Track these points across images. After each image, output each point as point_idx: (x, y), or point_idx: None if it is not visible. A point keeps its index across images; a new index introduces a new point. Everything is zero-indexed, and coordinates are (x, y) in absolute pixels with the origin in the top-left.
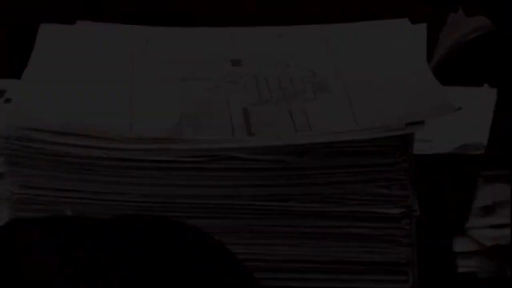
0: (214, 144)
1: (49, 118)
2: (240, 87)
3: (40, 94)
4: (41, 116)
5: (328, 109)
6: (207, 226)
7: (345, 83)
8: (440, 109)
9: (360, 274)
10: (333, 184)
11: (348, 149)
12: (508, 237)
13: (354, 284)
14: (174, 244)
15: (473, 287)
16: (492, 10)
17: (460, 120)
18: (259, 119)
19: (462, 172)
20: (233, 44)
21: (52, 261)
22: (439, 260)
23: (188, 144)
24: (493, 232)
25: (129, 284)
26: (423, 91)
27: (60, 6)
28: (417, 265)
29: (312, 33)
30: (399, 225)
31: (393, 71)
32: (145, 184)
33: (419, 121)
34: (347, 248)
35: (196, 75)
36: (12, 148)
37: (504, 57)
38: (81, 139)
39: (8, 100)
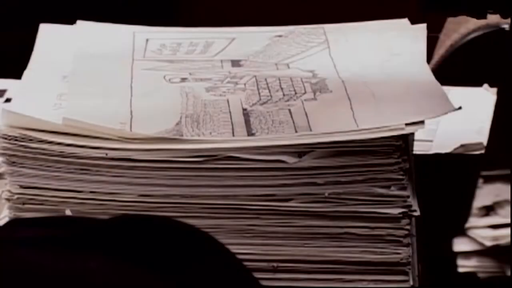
0: (214, 144)
1: (49, 118)
2: (240, 87)
3: (40, 94)
4: (41, 116)
5: (328, 109)
6: (207, 226)
7: (345, 83)
8: (440, 109)
9: (360, 274)
10: (333, 184)
11: (348, 149)
12: (508, 237)
13: (354, 284)
14: (174, 244)
15: (473, 287)
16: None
17: (460, 120)
18: (259, 119)
19: (462, 172)
20: (233, 44)
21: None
22: (439, 260)
23: (188, 144)
24: (493, 232)
25: (128, 284)
26: (423, 91)
27: (60, 6)
28: (417, 265)
29: (312, 33)
30: (399, 225)
31: (393, 71)
32: (145, 184)
33: (419, 121)
34: (347, 248)
35: (196, 75)
36: (12, 148)
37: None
38: (81, 139)
39: (8, 100)
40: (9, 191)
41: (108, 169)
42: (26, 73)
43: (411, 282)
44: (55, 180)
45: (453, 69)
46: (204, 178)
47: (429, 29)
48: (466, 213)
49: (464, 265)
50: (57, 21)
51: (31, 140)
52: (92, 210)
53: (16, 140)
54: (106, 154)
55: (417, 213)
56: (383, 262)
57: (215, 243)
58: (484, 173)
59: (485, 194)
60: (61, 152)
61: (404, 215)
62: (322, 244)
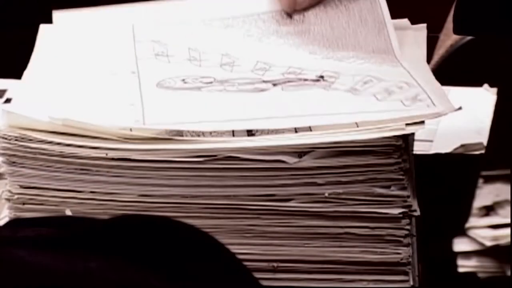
0: (214, 144)
1: (49, 118)
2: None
3: (40, 94)
4: (41, 116)
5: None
6: (207, 226)
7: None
8: (440, 109)
9: (360, 274)
10: (333, 184)
11: (348, 149)
12: (508, 237)
13: (354, 284)
14: (174, 244)
15: (473, 287)
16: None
17: (460, 120)
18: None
19: (462, 172)
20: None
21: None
22: (439, 260)
23: (188, 144)
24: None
25: (128, 283)
26: (423, 91)
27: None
28: (417, 265)
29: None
30: (399, 225)
31: (397, 69)
32: (145, 184)
33: (419, 121)
34: (347, 248)
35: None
36: (12, 148)
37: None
38: (81, 139)
39: (8, 100)
40: (9, 191)
41: (108, 169)
42: (26, 73)
43: (411, 282)
44: (55, 180)
45: (453, 69)
46: (204, 178)
47: (429, 29)
48: (466, 213)
49: (464, 265)
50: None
51: (31, 140)
52: (92, 210)
53: (16, 140)
54: (106, 154)
55: (417, 213)
56: (383, 262)
57: (215, 243)
58: (484, 173)
59: (485, 194)
60: (61, 152)
61: (404, 215)
62: (322, 244)
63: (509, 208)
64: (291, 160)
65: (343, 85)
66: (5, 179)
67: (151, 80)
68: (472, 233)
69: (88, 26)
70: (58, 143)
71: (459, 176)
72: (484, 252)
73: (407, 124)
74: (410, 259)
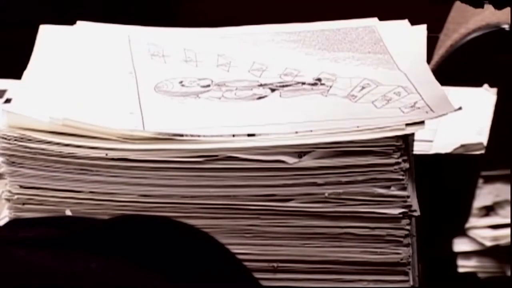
0: (214, 144)
1: (49, 118)
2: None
3: (40, 94)
4: (41, 116)
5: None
6: (207, 226)
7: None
8: (440, 109)
9: (360, 274)
10: (333, 184)
11: (348, 149)
12: (508, 237)
13: (354, 284)
14: (174, 244)
15: (473, 287)
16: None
17: (460, 120)
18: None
19: (462, 172)
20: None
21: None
22: (439, 260)
23: (188, 144)
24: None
25: (128, 283)
26: (423, 91)
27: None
28: (417, 265)
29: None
30: (399, 225)
31: (393, 71)
32: (145, 184)
33: (419, 121)
34: (347, 248)
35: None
36: (12, 148)
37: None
38: (81, 140)
39: (8, 100)
40: (9, 191)
41: (108, 169)
42: (26, 73)
43: (411, 282)
44: (55, 180)
45: (453, 69)
46: (204, 178)
47: (429, 29)
48: (466, 213)
49: (464, 265)
50: (57, 21)
51: (30, 140)
52: (91, 210)
53: (16, 140)
54: (106, 154)
55: (417, 213)
56: (383, 262)
57: (215, 243)
58: (484, 173)
59: (485, 194)
60: (60, 152)
61: (404, 215)
62: (322, 244)
63: (509, 208)
64: (291, 160)
65: (341, 91)
66: (5, 179)
67: (148, 82)
68: (472, 233)
69: (85, 28)
70: (58, 143)
71: (459, 176)
72: (484, 252)
73: (407, 124)
74: (410, 259)
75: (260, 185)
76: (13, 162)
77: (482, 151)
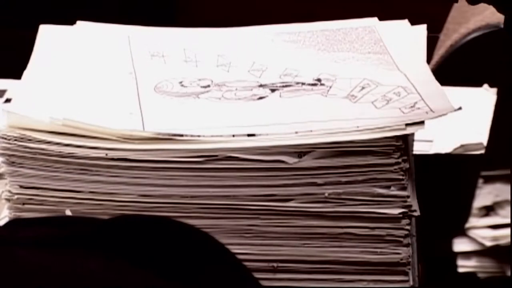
0: (214, 144)
1: (49, 118)
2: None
3: (40, 94)
4: (41, 116)
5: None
6: (207, 226)
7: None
8: (440, 109)
9: (360, 274)
10: (333, 184)
11: (348, 149)
12: (508, 237)
13: (354, 284)
14: (174, 244)
15: (473, 287)
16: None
17: (460, 120)
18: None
19: (462, 172)
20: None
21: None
22: (439, 260)
23: (188, 144)
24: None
25: (128, 283)
26: (423, 91)
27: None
28: (417, 265)
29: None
30: (399, 225)
31: (393, 71)
32: (145, 184)
33: (419, 121)
34: (347, 248)
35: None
36: (12, 148)
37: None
38: (81, 140)
39: (8, 100)
40: (9, 191)
41: (108, 169)
42: (26, 73)
43: (411, 282)
44: (55, 180)
45: (453, 69)
46: (204, 178)
47: (429, 29)
48: (466, 213)
49: (464, 265)
50: (57, 21)
51: (30, 140)
52: (91, 210)
53: (16, 140)
54: (106, 154)
55: (417, 213)
56: (383, 262)
57: (215, 243)
58: (484, 173)
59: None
60: (60, 152)
61: (404, 215)
62: (322, 244)
63: (509, 208)
64: (291, 160)
65: (341, 91)
66: (5, 179)
67: (148, 82)
68: (472, 233)
69: (85, 29)
70: (58, 143)
71: (459, 176)
72: (484, 252)
73: (407, 124)
74: (410, 259)
75: (260, 185)
76: (13, 162)
77: (482, 151)
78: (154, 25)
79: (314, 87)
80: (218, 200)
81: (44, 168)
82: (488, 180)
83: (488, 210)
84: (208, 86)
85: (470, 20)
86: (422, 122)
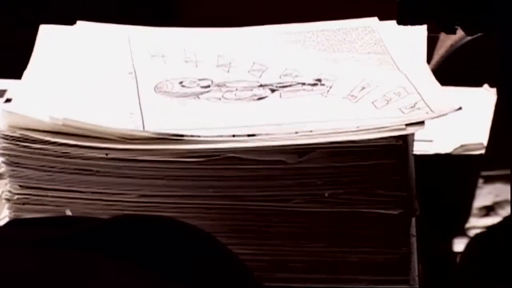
0: (214, 144)
1: (49, 118)
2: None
3: (40, 94)
4: (41, 116)
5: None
6: (207, 226)
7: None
8: (440, 109)
9: (360, 274)
10: (333, 184)
11: (348, 149)
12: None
13: (354, 284)
14: (174, 244)
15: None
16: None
17: (460, 120)
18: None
19: (462, 172)
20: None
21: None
22: (439, 260)
23: (188, 144)
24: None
25: (128, 283)
26: (423, 91)
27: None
28: (417, 265)
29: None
30: (399, 225)
31: (393, 72)
32: (145, 184)
33: (419, 121)
34: (347, 248)
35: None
36: (12, 148)
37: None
38: (81, 140)
39: (8, 100)
40: (9, 191)
41: (108, 169)
42: (26, 73)
43: (411, 282)
44: (55, 180)
45: (453, 69)
46: (204, 178)
47: (429, 29)
48: (466, 213)
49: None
50: (57, 21)
51: (31, 140)
52: (92, 210)
53: (16, 140)
54: (106, 154)
55: (417, 213)
56: (383, 262)
57: (215, 243)
58: (484, 173)
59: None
60: (60, 152)
61: (404, 215)
62: (322, 244)
63: (509, 208)
64: (291, 160)
65: (341, 91)
66: (5, 179)
67: (148, 82)
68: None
69: (85, 28)
70: (58, 143)
71: (459, 176)
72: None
73: (407, 125)
74: (410, 259)
75: (260, 185)
76: (13, 162)
77: (482, 151)
78: (154, 25)
79: (314, 87)
80: (218, 200)
81: (44, 168)
82: (488, 180)
83: (488, 210)
84: (209, 86)
85: None
86: (422, 122)
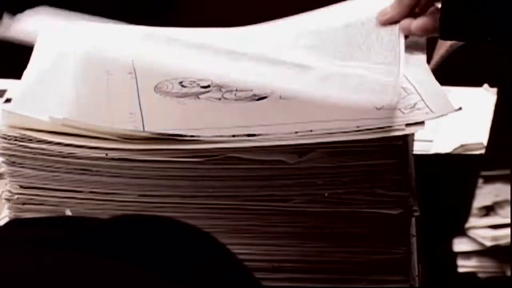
0: (214, 144)
1: (49, 118)
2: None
3: (40, 94)
4: (40, 116)
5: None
6: (207, 226)
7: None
8: (440, 109)
9: (360, 274)
10: (333, 184)
11: (348, 149)
12: (508, 237)
13: (354, 284)
14: (174, 244)
15: (473, 287)
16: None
17: (460, 120)
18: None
19: (462, 172)
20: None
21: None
22: (439, 260)
23: (188, 144)
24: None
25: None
26: (423, 91)
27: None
28: (417, 265)
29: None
30: (399, 225)
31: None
32: (145, 184)
33: (419, 121)
34: (347, 248)
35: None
36: (12, 148)
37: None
38: (81, 139)
39: (8, 100)
40: (9, 191)
41: (108, 169)
42: (26, 73)
43: (411, 282)
44: (55, 180)
45: (453, 69)
46: (204, 178)
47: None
48: (466, 213)
49: (464, 265)
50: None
51: (31, 140)
52: (91, 210)
53: (16, 140)
54: (106, 154)
55: (417, 213)
56: (383, 262)
57: (215, 243)
58: (484, 173)
59: (485, 194)
60: (61, 152)
61: (404, 215)
62: (322, 244)
63: (509, 208)
64: (291, 160)
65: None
66: (5, 179)
67: (148, 82)
68: (472, 233)
69: (85, 28)
70: (58, 143)
71: (459, 176)
72: (484, 252)
73: (407, 125)
74: (410, 259)
75: (260, 185)
76: (13, 162)
77: (482, 151)
78: (154, 24)
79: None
80: (218, 200)
81: (44, 168)
82: (488, 180)
83: (488, 210)
84: (208, 86)
85: None
86: (422, 122)
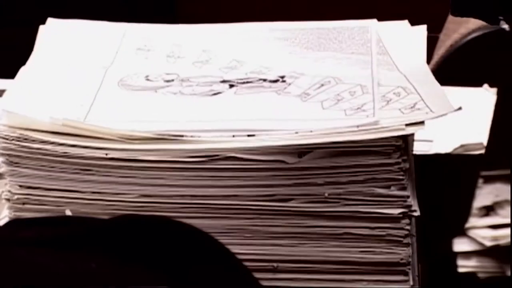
0: (214, 144)
1: (49, 118)
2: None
3: (39, 94)
4: (40, 116)
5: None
6: (207, 226)
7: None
8: (440, 109)
9: (360, 274)
10: (333, 184)
11: (348, 149)
12: (508, 237)
13: (354, 284)
14: (174, 244)
15: (473, 287)
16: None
17: (460, 120)
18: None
19: (462, 172)
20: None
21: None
22: (439, 260)
23: (188, 144)
24: (493, 232)
25: (128, 283)
26: (423, 91)
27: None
28: (417, 265)
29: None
30: (399, 225)
31: (393, 72)
32: (145, 184)
33: (419, 121)
34: (347, 248)
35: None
36: (12, 148)
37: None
38: (81, 139)
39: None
40: (9, 191)
41: (108, 169)
42: (26, 73)
43: (411, 282)
44: (55, 180)
45: (453, 69)
46: (204, 178)
47: (429, 29)
48: (466, 213)
49: (464, 265)
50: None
51: (31, 140)
52: (92, 210)
53: (16, 140)
54: (106, 154)
55: (417, 213)
56: (383, 262)
57: (215, 243)
58: (484, 173)
59: (485, 194)
60: (61, 152)
61: (404, 215)
62: (322, 244)
63: (509, 208)
64: (291, 160)
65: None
66: (5, 179)
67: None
68: (472, 233)
69: (84, 27)
70: (58, 143)
71: (459, 176)
72: (484, 252)
73: (407, 125)
74: (410, 259)
75: (260, 185)
76: (13, 162)
77: (482, 151)
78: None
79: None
80: (218, 200)
81: (44, 168)
82: (488, 180)
83: (488, 210)
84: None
85: (470, 20)
86: (422, 122)
